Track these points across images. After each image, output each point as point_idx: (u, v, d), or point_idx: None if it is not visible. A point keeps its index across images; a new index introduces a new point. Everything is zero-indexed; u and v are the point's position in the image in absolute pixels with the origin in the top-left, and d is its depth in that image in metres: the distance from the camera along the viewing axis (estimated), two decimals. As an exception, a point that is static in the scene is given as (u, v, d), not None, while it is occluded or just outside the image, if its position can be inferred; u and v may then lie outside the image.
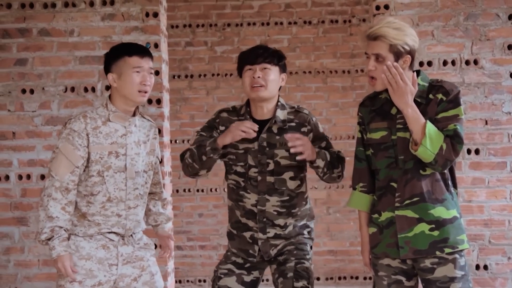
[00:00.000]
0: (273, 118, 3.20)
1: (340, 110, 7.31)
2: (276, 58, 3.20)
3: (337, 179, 3.26)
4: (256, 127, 3.10)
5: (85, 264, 3.05)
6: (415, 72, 2.96)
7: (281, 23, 7.30)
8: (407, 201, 2.90)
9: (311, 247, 3.31)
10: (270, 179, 3.19)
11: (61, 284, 3.06)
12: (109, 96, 3.14)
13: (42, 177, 4.53)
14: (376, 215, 2.98)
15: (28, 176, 4.54)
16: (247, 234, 3.25)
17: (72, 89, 4.54)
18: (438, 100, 2.89)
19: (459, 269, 2.87)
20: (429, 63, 4.37)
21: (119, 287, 3.12)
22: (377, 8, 4.41)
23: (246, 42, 7.27)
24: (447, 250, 2.86)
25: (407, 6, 4.39)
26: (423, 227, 2.87)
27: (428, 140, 2.80)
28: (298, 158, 3.10)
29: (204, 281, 7.29)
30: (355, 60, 7.27)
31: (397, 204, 2.92)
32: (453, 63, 4.37)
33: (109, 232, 3.10)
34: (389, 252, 2.95)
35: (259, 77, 3.14)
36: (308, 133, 3.22)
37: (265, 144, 3.20)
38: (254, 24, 7.28)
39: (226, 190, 3.35)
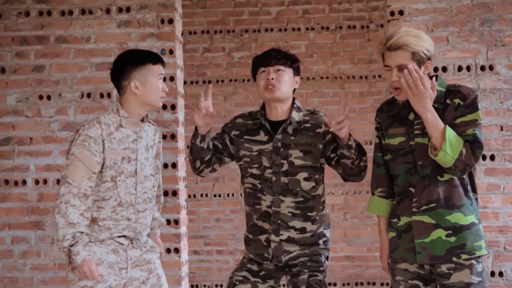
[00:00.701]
0: (288, 119, 3.22)
1: (358, 115, 7.29)
2: (290, 60, 3.24)
3: (363, 171, 3.21)
4: (210, 90, 3.23)
5: (97, 269, 3.07)
6: (433, 77, 2.96)
7: (299, 29, 7.32)
8: (424, 207, 2.90)
9: (327, 258, 3.30)
10: (284, 179, 3.20)
11: None
12: (120, 102, 3.17)
13: (59, 181, 4.57)
14: (395, 220, 3.00)
15: (45, 181, 4.60)
16: (263, 237, 3.25)
17: (88, 95, 4.59)
18: (455, 105, 2.89)
19: (476, 275, 2.85)
20: (444, 69, 4.36)
21: None
22: (392, 14, 4.40)
23: (263, 48, 7.25)
24: (464, 256, 2.84)
25: (421, 11, 4.38)
26: (440, 233, 2.87)
27: (448, 145, 2.79)
28: (332, 129, 3.02)
29: (221, 286, 7.31)
30: (372, 65, 7.26)
31: (414, 210, 2.92)
32: (468, 68, 4.36)
33: (119, 236, 3.13)
34: (407, 257, 2.96)
35: (272, 78, 3.18)
36: (324, 134, 3.22)
37: (279, 144, 3.22)
38: (271, 30, 7.30)
39: (243, 195, 3.35)
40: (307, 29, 7.33)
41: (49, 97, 4.61)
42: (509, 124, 4.33)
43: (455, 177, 2.89)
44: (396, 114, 3.01)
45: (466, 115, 2.87)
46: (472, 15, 4.36)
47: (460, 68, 4.35)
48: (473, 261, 2.87)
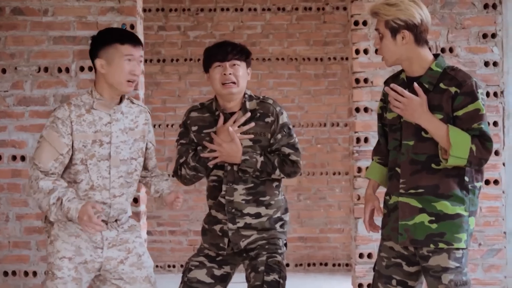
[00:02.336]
0: (245, 110, 3.22)
1: (312, 97, 7.33)
2: (245, 54, 3.24)
3: (283, 177, 3.27)
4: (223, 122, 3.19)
5: (75, 241, 3.04)
6: (414, 83, 2.87)
7: (255, 9, 7.29)
8: (412, 191, 2.89)
9: (285, 244, 3.30)
10: (235, 167, 3.21)
11: (50, 261, 3.05)
12: (94, 83, 3.09)
13: (14, 158, 4.46)
14: (387, 197, 3.01)
15: (-1, 157, 4.48)
16: (217, 227, 3.25)
17: (46, 69, 4.47)
18: (452, 94, 2.83)
19: (454, 260, 2.84)
20: (405, 50, 4.39)
21: (106, 269, 3.11)
22: (355, -6, 4.41)
23: (219, 28, 7.25)
24: (441, 245, 2.84)
25: (384, -7, 4.40)
26: (424, 217, 2.86)
27: (456, 149, 2.75)
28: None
29: (174, 266, 7.28)
30: (328, 47, 7.29)
31: (401, 191, 2.91)
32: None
33: None
34: (392, 236, 2.97)
35: (230, 74, 3.16)
36: (271, 123, 3.23)
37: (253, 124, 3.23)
38: (227, 9, 7.26)
39: (206, 190, 3.32)
40: (263, 9, 7.30)
41: (4, 71, 4.47)
42: (468, 106, 4.40)
43: (450, 167, 2.85)
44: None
45: (467, 105, 2.82)
46: (433, -3, 4.41)
47: (421, 50, 4.39)
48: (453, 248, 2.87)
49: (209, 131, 3.24)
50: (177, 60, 7.29)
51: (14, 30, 4.47)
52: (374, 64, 4.43)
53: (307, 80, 7.33)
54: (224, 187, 3.21)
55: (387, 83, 3.06)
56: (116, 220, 3.14)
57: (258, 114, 3.24)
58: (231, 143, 3.16)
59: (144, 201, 4.62)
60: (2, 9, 4.46)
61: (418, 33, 2.88)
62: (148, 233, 7.19)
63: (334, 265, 7.28)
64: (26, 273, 4.46)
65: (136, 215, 4.41)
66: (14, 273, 4.46)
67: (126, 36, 3.06)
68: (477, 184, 2.91)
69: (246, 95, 3.27)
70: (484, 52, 4.42)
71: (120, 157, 3.08)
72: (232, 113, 3.24)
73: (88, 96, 3.07)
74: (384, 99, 3.07)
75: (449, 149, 2.77)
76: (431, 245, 2.85)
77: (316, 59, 7.31)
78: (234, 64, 3.18)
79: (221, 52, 3.19)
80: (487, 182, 4.39)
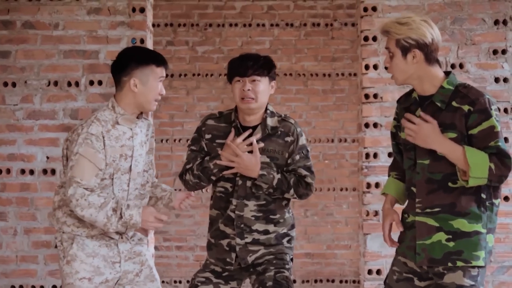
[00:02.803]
0: (265, 126, 3.20)
1: (320, 113, 7.32)
2: (266, 69, 3.19)
3: (296, 198, 3.25)
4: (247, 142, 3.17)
5: (93, 261, 3.05)
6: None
7: (263, 25, 7.30)
8: (428, 210, 2.87)
9: (291, 259, 3.29)
10: (248, 183, 3.19)
11: (69, 282, 3.03)
12: (115, 98, 3.11)
13: (23, 171, 4.46)
14: (405, 215, 2.99)
15: (8, 171, 4.47)
16: (224, 242, 3.23)
17: (56, 83, 4.48)
18: (465, 113, 2.81)
19: (469, 278, 2.80)
20: (415, 66, 4.39)
21: (122, 283, 3.13)
22: (365, 10, 4.43)
23: (227, 43, 7.26)
24: (459, 263, 2.80)
25: (394, 8, 4.41)
26: (441, 236, 2.84)
27: (475, 170, 2.73)
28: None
29: (180, 282, 7.24)
30: (336, 63, 7.28)
31: (418, 210, 2.89)
32: (438, 66, 4.40)
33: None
34: (407, 254, 2.95)
35: (249, 89, 3.15)
36: (291, 143, 3.22)
37: (260, 136, 3.20)
38: (236, 25, 7.26)
39: (212, 199, 3.30)
40: (271, 25, 7.31)
41: (14, 84, 4.48)
42: (478, 122, 4.38)
43: (466, 186, 2.82)
44: (407, 107, 2.97)
45: (481, 123, 2.80)
46: (443, 13, 4.42)
47: (431, 66, 4.39)
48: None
49: (222, 141, 3.23)
50: (185, 75, 7.29)
51: (25, 43, 4.48)
52: (383, 80, 4.43)
53: (315, 96, 7.32)
54: (234, 201, 3.19)
55: (399, 102, 3.05)
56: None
57: (279, 132, 3.22)
58: (251, 156, 3.14)
59: (152, 216, 4.60)
60: (13, 23, 4.48)
61: (429, 52, 2.86)
62: (155, 248, 7.16)
63: (341, 281, 7.23)
64: (33, 288, 4.45)
65: (144, 230, 4.39)
66: (21, 287, 4.44)
67: (160, 59, 3.13)
68: (495, 201, 2.88)
69: (268, 111, 3.23)
70: (494, 68, 4.41)
71: (137, 170, 3.14)
72: (249, 127, 3.21)
73: (110, 112, 3.09)
74: (398, 118, 3.06)
75: (468, 171, 2.74)
76: (449, 264, 2.81)
77: (324, 74, 7.30)
78: (254, 80, 3.15)
79: (242, 67, 3.17)
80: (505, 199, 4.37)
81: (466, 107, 2.81)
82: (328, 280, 7.26)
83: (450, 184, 2.84)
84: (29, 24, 4.48)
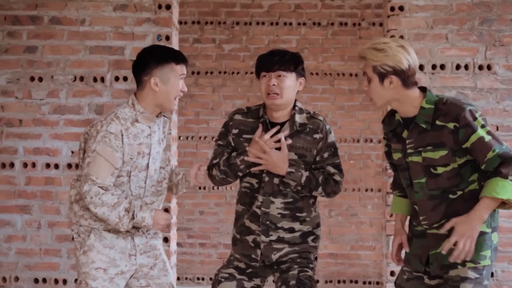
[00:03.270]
0: (293, 123, 3.16)
1: (346, 113, 7.28)
2: (293, 64, 3.15)
3: (324, 196, 3.22)
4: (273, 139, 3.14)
5: (109, 252, 3.08)
6: (423, 98, 2.87)
7: (290, 24, 7.28)
8: (435, 224, 2.89)
9: (315, 258, 3.26)
10: (276, 180, 3.16)
11: (85, 271, 3.06)
12: (136, 96, 3.12)
13: (48, 165, 4.50)
14: (414, 223, 3.01)
15: (33, 164, 4.51)
16: (250, 238, 3.20)
17: (81, 79, 4.51)
18: (451, 130, 2.82)
19: (473, 271, 2.83)
20: (442, 67, 4.35)
21: (136, 276, 3.15)
22: (392, 9, 4.38)
23: (254, 41, 7.25)
24: (468, 264, 2.83)
25: (422, 8, 4.36)
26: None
27: (507, 194, 2.72)
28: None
29: (203, 279, 7.25)
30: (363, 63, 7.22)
31: (425, 227, 2.92)
32: (466, 67, 4.35)
33: None
34: (412, 261, 2.98)
35: (274, 85, 3.11)
36: (319, 140, 3.18)
37: (288, 132, 3.16)
38: (263, 23, 7.25)
39: (238, 194, 3.28)
40: (298, 24, 7.29)
41: (40, 79, 4.52)
42: (505, 124, 4.33)
43: (466, 191, 2.85)
44: (394, 129, 2.99)
45: (469, 137, 2.80)
46: (472, 13, 4.36)
47: (458, 67, 4.35)
48: None
49: (249, 136, 3.19)
50: (212, 72, 7.30)
51: (52, 39, 4.52)
52: (409, 80, 4.38)
53: (341, 96, 7.28)
54: (260, 198, 3.16)
55: (384, 123, 3.06)
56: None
57: (308, 129, 3.18)
58: (279, 153, 3.11)
59: (175, 212, 4.61)
60: (41, 18, 4.52)
61: (406, 78, 2.86)
62: (178, 245, 7.19)
63: (364, 282, 7.19)
64: (56, 281, 4.48)
65: (166, 226, 4.40)
66: (44, 280, 4.48)
67: (180, 56, 3.13)
68: None
69: (297, 108, 3.20)
70: (523, 70, 4.35)
71: (154, 167, 3.15)
72: (277, 124, 3.18)
73: (130, 109, 3.10)
74: (387, 138, 3.06)
75: (509, 202, 2.73)
76: (459, 266, 2.84)
77: (351, 74, 7.26)
78: (280, 75, 3.12)
79: (268, 62, 3.14)
80: None
81: (451, 125, 2.82)
82: (351, 281, 7.22)
83: (450, 196, 2.87)
84: (56, 19, 4.52)
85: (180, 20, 7.22)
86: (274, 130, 3.15)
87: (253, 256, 3.19)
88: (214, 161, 3.24)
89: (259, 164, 3.14)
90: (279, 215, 3.16)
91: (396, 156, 2.99)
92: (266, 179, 3.16)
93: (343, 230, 7.26)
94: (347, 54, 7.26)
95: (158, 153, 3.16)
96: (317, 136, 3.18)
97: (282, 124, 3.18)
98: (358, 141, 7.20)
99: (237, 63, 7.25)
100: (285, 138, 3.15)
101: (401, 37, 4.38)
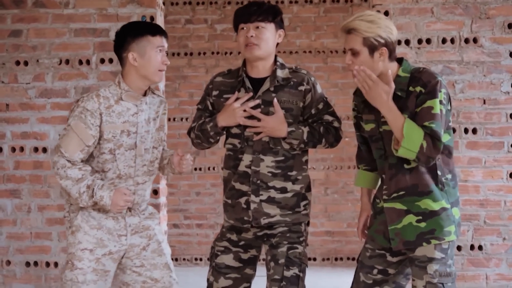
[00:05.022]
0: (274, 77, 3.12)
1: (340, 90, 7.26)
2: (271, 14, 3.10)
3: (328, 147, 3.20)
4: (248, 96, 3.11)
5: (96, 233, 3.09)
6: (389, 71, 2.88)
7: (282, 2, 7.24)
8: (394, 194, 2.91)
9: (308, 223, 3.21)
10: (265, 138, 3.12)
11: (71, 251, 3.09)
12: (122, 75, 3.12)
13: (36, 149, 4.51)
14: (377, 200, 3.03)
15: (22, 149, 4.52)
16: (242, 200, 3.14)
17: (67, 62, 4.50)
18: (417, 94, 2.85)
19: (440, 251, 2.86)
20: (428, 41, 4.32)
21: (129, 256, 3.16)
22: (377, -17, 4.35)
23: (246, 21, 7.20)
24: (433, 241, 2.85)
25: (406, -18, 4.33)
26: (411, 218, 2.88)
27: (407, 141, 2.77)
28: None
29: (201, 259, 7.28)
30: (356, 40, 7.19)
31: (385, 197, 2.94)
32: (452, 41, 4.32)
33: None
34: (376, 238, 3.00)
35: (252, 36, 3.08)
36: (306, 92, 3.14)
37: (260, 101, 3.13)
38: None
39: (223, 159, 3.28)
40: (290, 2, 7.25)
41: (26, 63, 4.52)
42: (492, 97, 4.31)
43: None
44: (366, 100, 2.97)
45: (425, 102, 2.82)
46: (457, -14, 4.32)
47: (444, 40, 4.32)
48: None
49: (229, 96, 3.17)
50: (204, 53, 7.28)
51: (36, 22, 4.50)
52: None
53: (335, 73, 7.26)
54: (250, 157, 3.12)
55: (356, 94, 3.08)
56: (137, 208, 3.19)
57: (292, 83, 3.14)
58: (274, 116, 3.07)
59: (164, 193, 4.62)
60: (24, 1, 4.50)
61: (393, 50, 2.89)
62: (175, 226, 7.22)
63: (361, 259, 7.20)
64: (47, 264, 4.50)
65: (156, 207, 4.42)
66: (36, 263, 4.51)
67: (156, 28, 3.11)
68: (448, 176, 2.91)
69: (278, 63, 3.16)
70: (509, 43, 4.31)
71: (144, 146, 3.14)
72: (259, 79, 3.15)
73: (116, 88, 3.11)
74: (357, 109, 3.07)
75: (401, 140, 2.78)
76: (424, 244, 2.86)
77: (344, 51, 7.20)
78: (258, 27, 3.08)
79: (246, 13, 3.10)
80: (512, 176, 4.31)
81: (418, 89, 2.85)
82: (348, 258, 7.24)
83: (405, 165, 2.88)
84: (40, 3, 4.50)
85: (171, 1, 7.19)
86: (245, 97, 3.12)
87: (245, 218, 3.14)
88: (192, 125, 3.25)
89: (261, 132, 3.10)
90: (270, 174, 3.11)
91: (369, 127, 2.99)
92: (254, 137, 3.11)
93: (339, 207, 7.27)
94: (340, 31, 7.21)
95: (148, 133, 3.15)
96: (302, 88, 3.14)
97: (263, 80, 3.15)
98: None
99: (229, 43, 7.22)
100: (270, 92, 3.10)
101: (386, 12, 4.35)
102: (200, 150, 7.10)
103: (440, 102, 2.82)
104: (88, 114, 3.04)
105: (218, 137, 3.19)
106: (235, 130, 3.16)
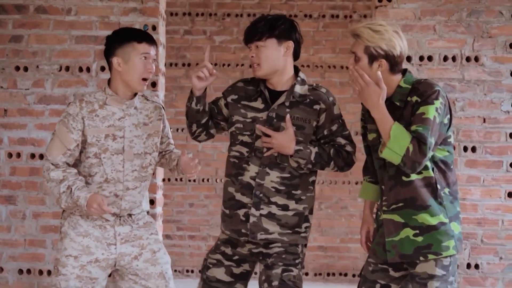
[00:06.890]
0: (291, 93, 3.08)
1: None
2: (267, 31, 3.05)
3: (337, 170, 3.15)
4: (209, 67, 3.08)
5: (82, 240, 3.10)
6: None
7: (281, 16, 7.24)
8: (393, 206, 2.90)
9: (305, 245, 3.16)
10: (274, 152, 3.08)
11: (57, 257, 3.12)
12: (108, 80, 3.15)
13: (33, 156, 4.47)
14: (378, 213, 3.02)
15: (18, 155, 4.48)
16: (241, 212, 3.09)
17: (67, 69, 4.48)
18: (413, 103, 2.85)
19: (440, 268, 2.85)
20: (430, 58, 4.33)
21: (121, 265, 3.15)
22: (380, 0, 4.35)
23: (245, 33, 7.20)
24: (431, 256, 2.84)
25: (409, -1, 4.34)
26: (408, 232, 2.87)
27: (393, 142, 2.76)
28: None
29: (192, 271, 7.24)
30: (354, 56, 7.20)
31: (384, 208, 2.93)
32: (453, 59, 4.33)
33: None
34: (377, 251, 2.99)
35: (252, 56, 3.08)
36: (321, 112, 3.08)
37: (273, 115, 3.10)
38: (254, 15, 7.21)
39: (225, 165, 3.23)
40: (290, 16, 7.23)
41: (26, 69, 4.49)
42: (492, 116, 4.32)
43: (420, 177, 2.86)
44: None
45: (420, 107, 2.83)
46: (460, 5, 4.34)
47: (445, 58, 4.33)
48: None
49: (246, 103, 3.13)
50: (202, 64, 7.26)
51: (37, 28, 4.48)
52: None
53: (332, 88, 7.22)
54: (256, 169, 3.07)
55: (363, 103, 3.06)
56: (130, 216, 3.17)
57: (308, 100, 3.09)
58: (284, 133, 3.03)
59: (160, 203, 4.59)
60: (26, 7, 4.48)
61: (394, 64, 2.89)
62: (168, 237, 7.17)
63: (354, 275, 7.18)
64: (40, 272, 4.46)
65: (152, 217, 4.37)
66: (29, 271, 4.46)
67: (142, 35, 3.12)
68: (446, 190, 2.90)
69: (299, 78, 3.12)
70: (510, 62, 4.32)
71: (134, 151, 3.13)
72: (278, 92, 3.11)
73: (101, 93, 3.14)
74: (364, 119, 3.07)
75: (387, 142, 2.77)
76: (421, 258, 2.85)
77: (342, 67, 7.23)
78: (257, 46, 3.06)
79: (246, 33, 3.11)
80: (510, 195, 4.30)
81: (414, 98, 2.85)
82: (340, 274, 7.22)
83: (403, 177, 2.87)
84: (42, 8, 4.48)
85: (171, 12, 7.19)
86: (207, 52, 3.13)
87: (242, 230, 3.09)
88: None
89: (271, 148, 3.07)
90: (274, 189, 3.07)
91: (371, 136, 2.99)
92: (265, 149, 3.08)
93: (333, 222, 7.25)
94: (338, 46, 7.24)
95: (139, 137, 3.14)
96: (317, 107, 3.09)
97: (281, 93, 3.11)
98: (356, 133, 7.19)
99: (227, 55, 7.22)
100: (284, 107, 3.07)
101: (389, 28, 4.36)
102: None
103: (436, 110, 2.80)
104: (70, 119, 3.08)
105: (188, 103, 3.13)
106: (246, 139, 3.12)
